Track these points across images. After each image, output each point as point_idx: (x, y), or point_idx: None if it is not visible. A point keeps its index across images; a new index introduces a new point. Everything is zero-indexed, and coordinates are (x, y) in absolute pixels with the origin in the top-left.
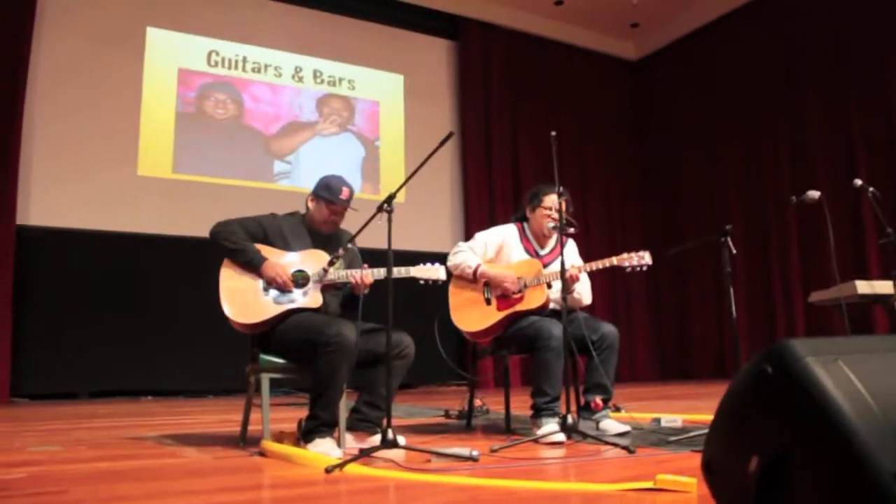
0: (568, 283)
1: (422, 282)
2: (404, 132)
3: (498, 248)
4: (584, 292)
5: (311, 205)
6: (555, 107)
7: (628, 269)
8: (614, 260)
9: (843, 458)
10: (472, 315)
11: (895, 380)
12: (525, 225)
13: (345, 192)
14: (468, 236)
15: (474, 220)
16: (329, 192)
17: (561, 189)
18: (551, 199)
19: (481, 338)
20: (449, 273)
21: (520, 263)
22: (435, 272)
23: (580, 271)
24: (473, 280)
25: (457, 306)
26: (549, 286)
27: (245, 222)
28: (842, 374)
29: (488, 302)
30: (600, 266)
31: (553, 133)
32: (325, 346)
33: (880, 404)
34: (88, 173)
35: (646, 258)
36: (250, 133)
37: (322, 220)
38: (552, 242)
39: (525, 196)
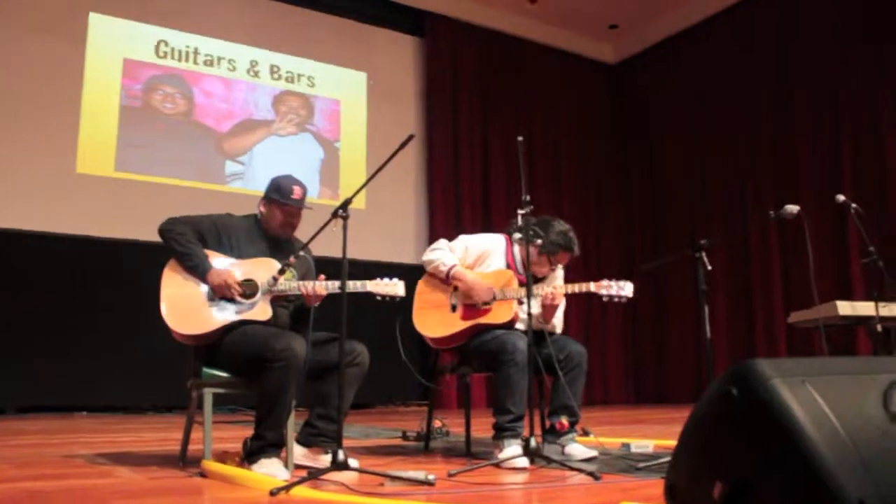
0: (549, 308)
1: (379, 297)
2: (366, 134)
3: (478, 256)
4: (557, 322)
5: (263, 210)
6: (528, 111)
7: (605, 299)
8: (592, 286)
9: (808, 484)
10: (434, 320)
11: (863, 403)
12: (516, 245)
13: (297, 192)
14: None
15: (440, 229)
16: (279, 193)
17: (575, 247)
18: (564, 258)
19: (442, 345)
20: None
21: (493, 273)
22: (393, 288)
23: (556, 290)
24: (445, 281)
25: (420, 307)
26: (521, 303)
27: (198, 221)
28: (808, 396)
29: (453, 309)
30: (576, 290)
31: (520, 138)
32: (273, 362)
33: (847, 428)
34: (21, 169)
35: (626, 289)
36: (201, 130)
37: (277, 224)
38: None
39: (527, 217)
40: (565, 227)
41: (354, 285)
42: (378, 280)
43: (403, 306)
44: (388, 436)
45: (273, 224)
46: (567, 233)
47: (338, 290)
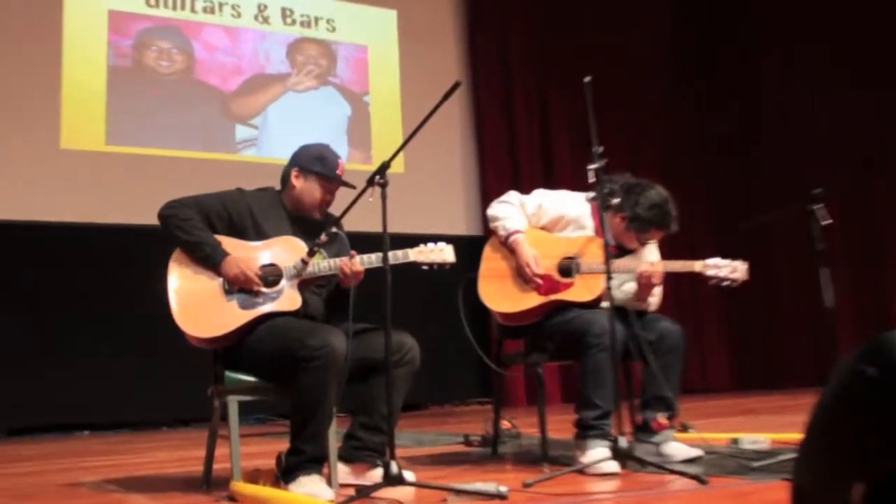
0: (645, 287)
1: (425, 267)
2: (400, 84)
3: (555, 219)
4: (655, 301)
5: (296, 182)
6: (591, 47)
7: (713, 282)
8: (697, 265)
9: None
10: (502, 290)
11: None
12: (603, 213)
13: (341, 166)
14: (486, 212)
15: (493, 194)
16: (323, 165)
17: (672, 223)
18: (656, 236)
19: (513, 321)
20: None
21: (579, 239)
22: (440, 254)
23: (654, 268)
24: (505, 245)
25: (487, 274)
26: (610, 278)
27: (204, 203)
28: None
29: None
30: (678, 269)
31: (587, 79)
32: (308, 361)
33: None
34: None
35: (739, 271)
36: (204, 90)
37: (313, 202)
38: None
39: (618, 180)
40: (659, 198)
41: (395, 256)
42: (422, 247)
43: (459, 271)
44: (446, 441)
45: (309, 200)
46: (662, 205)
47: (377, 265)
